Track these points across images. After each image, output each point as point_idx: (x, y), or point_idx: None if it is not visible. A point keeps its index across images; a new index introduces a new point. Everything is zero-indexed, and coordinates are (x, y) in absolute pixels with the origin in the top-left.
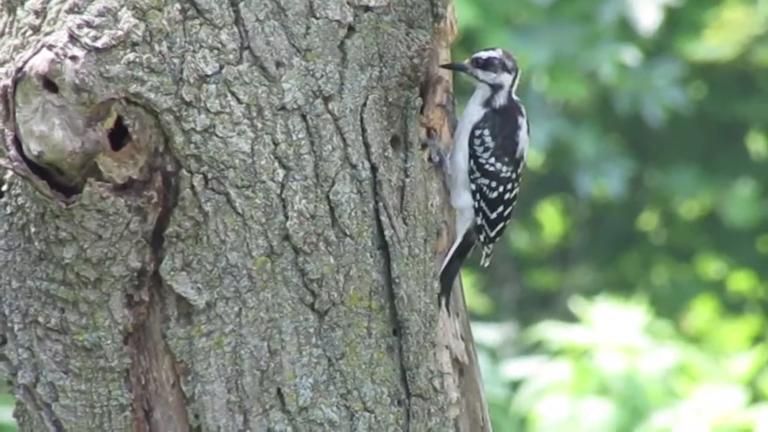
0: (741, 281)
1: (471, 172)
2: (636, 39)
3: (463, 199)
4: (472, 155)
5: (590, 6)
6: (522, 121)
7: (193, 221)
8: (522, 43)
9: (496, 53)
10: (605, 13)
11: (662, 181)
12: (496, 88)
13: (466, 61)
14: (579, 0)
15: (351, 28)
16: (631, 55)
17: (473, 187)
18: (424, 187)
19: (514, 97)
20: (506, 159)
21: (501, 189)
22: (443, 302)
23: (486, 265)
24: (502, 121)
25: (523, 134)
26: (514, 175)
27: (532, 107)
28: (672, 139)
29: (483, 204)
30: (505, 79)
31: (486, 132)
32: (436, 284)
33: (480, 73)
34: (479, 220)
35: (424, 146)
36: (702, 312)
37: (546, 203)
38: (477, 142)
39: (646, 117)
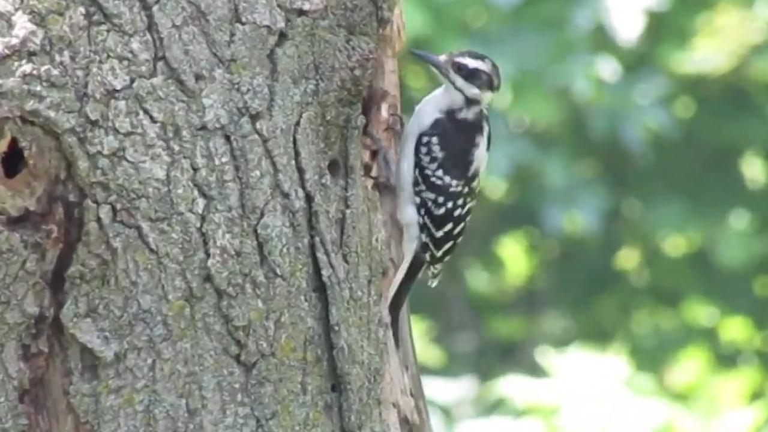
0: (735, 329)
1: (416, 183)
2: (614, 50)
3: (408, 214)
4: (417, 164)
5: (561, 12)
6: (480, 140)
7: (100, 259)
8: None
9: (486, 66)
10: (579, 19)
11: (644, 214)
12: (471, 102)
13: (443, 58)
14: (548, 4)
15: (282, 35)
16: (608, 69)
17: (417, 200)
18: (367, 219)
19: (485, 111)
20: (456, 172)
21: (450, 205)
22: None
23: (434, 285)
24: (456, 131)
25: (479, 153)
26: (466, 189)
27: (493, 128)
28: (655, 165)
29: (427, 220)
30: (487, 97)
31: (434, 140)
32: (382, 333)
33: (459, 82)
34: (423, 238)
35: (367, 172)
36: (690, 365)
37: (508, 239)
38: (423, 150)
39: (625, 140)
